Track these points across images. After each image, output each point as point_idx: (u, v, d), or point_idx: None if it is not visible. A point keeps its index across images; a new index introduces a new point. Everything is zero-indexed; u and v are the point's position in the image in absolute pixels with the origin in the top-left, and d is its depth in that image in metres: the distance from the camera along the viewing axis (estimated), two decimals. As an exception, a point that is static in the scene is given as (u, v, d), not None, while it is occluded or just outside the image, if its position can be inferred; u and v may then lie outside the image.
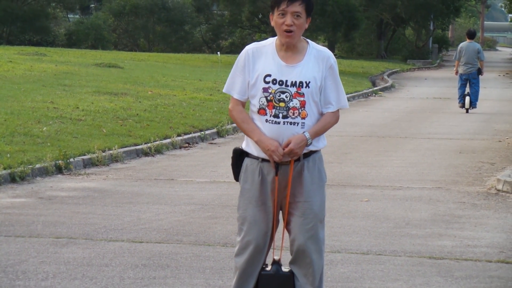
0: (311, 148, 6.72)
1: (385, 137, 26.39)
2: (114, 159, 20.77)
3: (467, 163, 21.85)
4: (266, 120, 6.63)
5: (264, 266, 6.71)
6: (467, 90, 36.87)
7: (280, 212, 6.77)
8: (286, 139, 6.54)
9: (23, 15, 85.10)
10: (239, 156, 6.81)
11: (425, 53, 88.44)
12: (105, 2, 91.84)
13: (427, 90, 47.19)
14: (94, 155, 20.34)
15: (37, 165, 18.60)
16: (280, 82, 6.70)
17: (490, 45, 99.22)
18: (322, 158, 6.93)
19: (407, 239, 13.69)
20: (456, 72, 37.59)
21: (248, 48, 6.93)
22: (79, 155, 20.04)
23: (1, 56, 48.08)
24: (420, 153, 23.49)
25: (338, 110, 6.90)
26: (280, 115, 6.60)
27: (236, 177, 6.85)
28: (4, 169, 17.72)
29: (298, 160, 6.62)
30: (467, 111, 36.32)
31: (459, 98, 37.02)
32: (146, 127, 25.10)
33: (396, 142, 25.74)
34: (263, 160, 6.62)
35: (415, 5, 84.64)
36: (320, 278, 6.68)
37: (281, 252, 6.61)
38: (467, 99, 36.60)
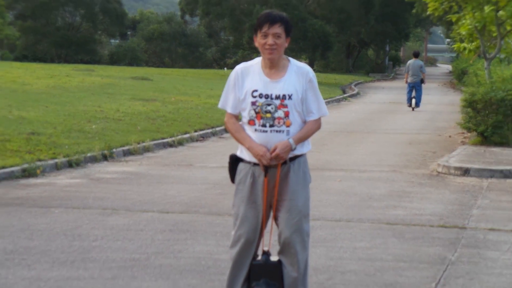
0: (296, 152, 6.41)
1: (352, 132, 26.32)
2: (146, 149, 20.81)
3: (415, 152, 21.86)
4: (255, 130, 6.34)
5: (255, 256, 6.42)
6: (413, 94, 38.53)
7: (271, 209, 6.50)
8: (273, 145, 6.26)
9: (77, 40, 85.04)
10: (234, 161, 6.57)
11: (383, 68, 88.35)
12: (139, 30, 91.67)
13: (384, 96, 47.10)
14: (131, 147, 20.39)
15: (88, 154, 18.68)
16: (266, 96, 6.38)
17: (432, 62, 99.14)
18: (306, 161, 6.60)
19: (370, 210, 13.73)
20: (406, 81, 38.97)
21: (238, 68, 6.61)
22: (120, 147, 20.09)
23: (60, 72, 48.01)
24: (379, 144, 23.46)
25: (319, 118, 6.59)
26: (267, 124, 6.30)
27: (232, 179, 6.61)
28: (64, 157, 17.88)
29: (284, 163, 6.32)
30: (413, 110, 37.82)
31: (407, 100, 38.79)
32: (170, 125, 25.09)
33: (361, 136, 25.70)
34: (255, 164, 6.35)
35: (375, 32, 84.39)
36: (305, 266, 6.41)
37: (270, 244, 6.37)
38: (413, 101, 38.43)
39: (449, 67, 77.59)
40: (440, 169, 18.58)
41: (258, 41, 6.36)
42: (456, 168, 18.39)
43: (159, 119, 26.48)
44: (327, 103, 39.01)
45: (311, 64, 74.77)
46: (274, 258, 6.42)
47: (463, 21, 29.07)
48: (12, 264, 9.72)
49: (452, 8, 29.49)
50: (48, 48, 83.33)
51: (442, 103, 39.72)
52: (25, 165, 16.52)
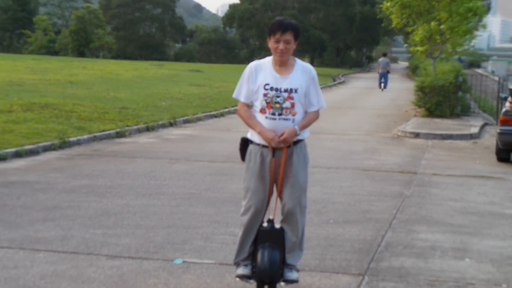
0: (299, 137, 5.70)
1: (340, 108, 26.18)
2: (199, 119, 20.74)
3: (382, 121, 21.76)
4: (266, 117, 5.62)
5: (262, 223, 5.74)
6: (382, 80, 39.57)
7: (275, 184, 5.77)
8: (280, 131, 5.54)
9: (152, 44, 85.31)
10: (245, 143, 5.83)
11: (361, 64, 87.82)
12: (194, 37, 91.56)
13: (361, 83, 46.85)
14: (188, 117, 20.32)
15: (160, 122, 18.66)
16: (276, 89, 5.64)
17: (395, 60, 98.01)
18: (306, 145, 5.87)
19: (351, 161, 13.68)
20: (378, 72, 40.58)
21: (252, 64, 5.85)
22: (181, 117, 20.05)
23: (141, 66, 48.17)
24: (358, 116, 23.35)
25: (318, 110, 5.84)
26: (276, 113, 5.59)
27: (243, 158, 5.87)
28: (143, 124, 17.87)
29: (289, 146, 5.63)
30: (382, 90, 38.35)
31: (379, 85, 39.80)
32: (215, 102, 25.01)
33: (345, 110, 25.58)
34: (263, 146, 5.64)
35: (356, 39, 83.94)
36: (302, 232, 5.78)
37: (274, 214, 5.74)
38: (382, 85, 39.47)
39: (406, 64, 76.90)
40: (399, 133, 18.54)
41: (271, 44, 5.65)
42: (410, 133, 18.36)
43: (207, 98, 26.42)
44: (323, 88, 38.96)
45: (311, 62, 74.73)
46: (277, 225, 5.74)
47: (416, 31, 28.95)
48: (110, 195, 9.79)
49: (409, 23, 29.50)
50: (134, 50, 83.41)
51: (401, 88, 39.53)
52: (118, 129, 16.59)
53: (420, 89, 23.42)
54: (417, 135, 18.16)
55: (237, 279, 5.79)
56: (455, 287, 6.38)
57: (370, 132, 18.87)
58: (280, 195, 5.69)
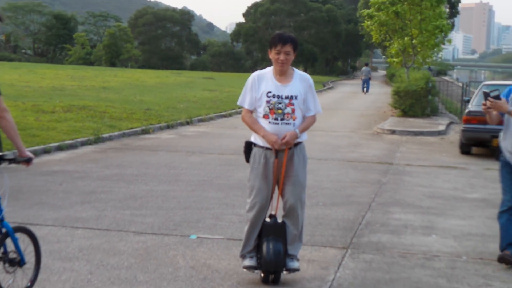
0: (299, 140, 5.37)
1: (329, 109, 26.13)
2: (211, 118, 20.75)
3: (364, 120, 21.75)
4: (269, 122, 5.27)
5: (265, 218, 5.39)
6: (365, 85, 39.86)
7: (277, 183, 5.44)
8: (282, 134, 5.20)
9: (171, 56, 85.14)
10: (249, 146, 5.48)
11: (346, 72, 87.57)
12: (207, 50, 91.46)
13: (347, 89, 46.78)
14: (202, 117, 20.33)
15: (178, 121, 18.67)
16: (278, 96, 5.28)
17: (374, 69, 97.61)
18: (304, 147, 5.56)
19: (338, 153, 13.68)
20: (361, 79, 41.45)
21: (254, 74, 5.45)
22: (196, 117, 20.06)
23: (163, 74, 48.17)
24: (344, 116, 23.32)
25: (315, 114, 5.52)
26: (279, 118, 5.25)
27: (247, 160, 5.49)
28: (164, 122, 17.86)
29: (290, 148, 5.29)
30: (364, 94, 38.61)
31: (362, 89, 40.32)
32: (224, 104, 24.96)
33: (333, 111, 25.52)
34: (267, 148, 5.29)
35: (342, 52, 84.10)
36: (302, 225, 5.45)
37: (276, 210, 5.44)
38: (365, 89, 39.74)
39: (384, 72, 76.82)
40: (378, 130, 18.53)
41: (272, 55, 5.27)
42: (388, 130, 18.36)
43: (218, 101, 26.39)
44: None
45: (304, 70, 74.19)
46: (279, 220, 5.41)
47: (392, 45, 29.00)
48: (137, 182, 9.81)
49: (386, 38, 29.54)
50: (156, 61, 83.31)
51: (380, 93, 39.45)
52: (143, 127, 16.61)
53: (396, 93, 23.47)
54: (393, 132, 18.17)
55: (244, 270, 5.47)
56: (423, 258, 6.40)
57: (354, 130, 18.87)
58: (282, 192, 5.36)
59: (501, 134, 6.14)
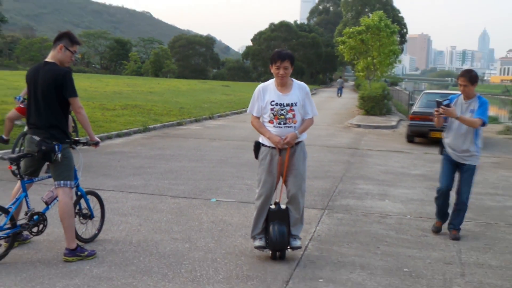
0: (299, 139, 4.82)
1: (312, 109, 26.08)
2: (227, 115, 20.59)
3: (338, 117, 21.61)
4: (274, 126, 4.72)
5: (270, 205, 4.82)
6: (339, 92, 39.92)
7: (281, 176, 4.84)
8: (285, 136, 4.67)
9: (199, 69, 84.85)
10: (257, 145, 4.91)
11: (326, 82, 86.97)
12: (225, 66, 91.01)
13: (326, 94, 46.49)
14: (221, 113, 20.19)
15: (203, 116, 18.54)
16: (280, 104, 4.71)
17: (346, 80, 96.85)
18: (304, 145, 4.94)
19: (319, 141, 13.55)
20: (337, 87, 41.49)
21: (259, 87, 4.83)
22: (216, 113, 19.94)
23: (192, 83, 47.89)
24: (323, 114, 23.07)
25: (312, 117, 4.93)
26: (282, 123, 4.69)
27: (256, 157, 4.89)
28: (193, 117, 17.72)
29: (292, 147, 4.75)
30: (339, 97, 38.51)
31: (337, 94, 40.74)
32: (237, 104, 24.78)
33: (315, 110, 25.45)
34: (272, 147, 4.76)
35: (322, 67, 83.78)
36: (302, 210, 4.82)
37: (280, 198, 4.87)
38: (339, 94, 39.85)
39: (353, 83, 76.31)
40: (348, 125, 18.39)
41: (273, 70, 4.70)
42: (355, 124, 18.24)
43: (232, 102, 26.22)
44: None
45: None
46: (283, 206, 4.83)
47: (359, 63, 28.87)
48: (173, 160, 9.77)
49: (354, 58, 29.43)
50: (188, 73, 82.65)
51: (350, 97, 39.24)
52: (178, 121, 16.51)
53: (362, 98, 23.33)
54: (359, 126, 18.06)
55: (255, 249, 4.89)
56: (379, 217, 6.37)
57: (330, 124, 18.76)
58: (285, 183, 4.79)
59: (444, 134, 5.74)
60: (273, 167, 4.77)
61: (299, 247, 4.81)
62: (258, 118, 4.85)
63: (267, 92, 4.78)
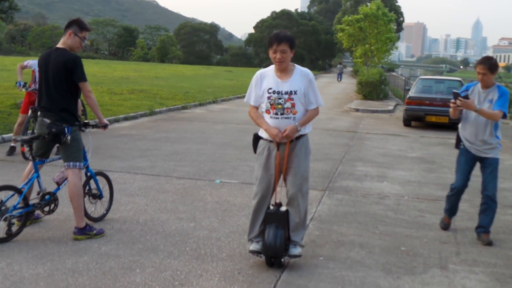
0: (301, 133, 4.04)
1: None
2: (230, 99, 20.40)
3: (337, 102, 21.44)
4: (271, 117, 3.98)
5: (269, 206, 4.08)
6: (339, 77, 40.10)
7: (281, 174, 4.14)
8: (283, 128, 3.96)
9: (203, 56, 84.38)
10: (257, 138, 4.14)
11: (325, 68, 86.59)
12: (228, 52, 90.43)
13: (325, 80, 46.15)
14: (224, 97, 20.02)
15: (207, 100, 18.40)
16: (278, 92, 3.95)
17: (344, 66, 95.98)
18: (308, 139, 4.13)
19: (319, 124, 13.40)
20: (337, 72, 41.54)
21: (258, 73, 4.12)
22: (220, 98, 19.80)
23: (196, 68, 47.63)
24: (323, 98, 22.85)
25: (318, 107, 4.09)
26: (279, 113, 3.95)
27: (255, 151, 4.12)
28: (198, 101, 17.60)
29: (292, 141, 4.02)
30: (339, 82, 38.49)
31: (337, 79, 40.81)
32: (240, 89, 24.51)
33: (315, 95, 25.29)
34: (270, 141, 4.02)
35: (322, 54, 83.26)
36: (304, 214, 4.07)
37: (276, 198, 4.11)
38: (339, 79, 40.02)
39: (351, 69, 75.94)
40: (347, 109, 18.28)
41: (271, 54, 3.95)
42: (353, 109, 18.13)
43: (235, 87, 25.97)
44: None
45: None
46: (283, 208, 4.06)
47: (357, 50, 28.67)
48: (178, 142, 9.70)
49: (353, 45, 29.24)
50: (193, 59, 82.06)
51: (349, 83, 39.04)
52: (183, 105, 16.39)
53: (360, 83, 23.19)
54: (357, 110, 17.93)
55: (250, 254, 4.18)
56: (377, 198, 6.31)
57: (330, 108, 18.61)
58: (285, 182, 4.08)
59: (460, 125, 5.09)
60: (271, 163, 4.04)
61: (298, 256, 4.06)
62: (257, 108, 4.14)
63: (265, 78, 4.06)
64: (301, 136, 4.07)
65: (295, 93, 3.97)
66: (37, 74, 7.85)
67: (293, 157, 4.04)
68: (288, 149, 4.00)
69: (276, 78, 4.01)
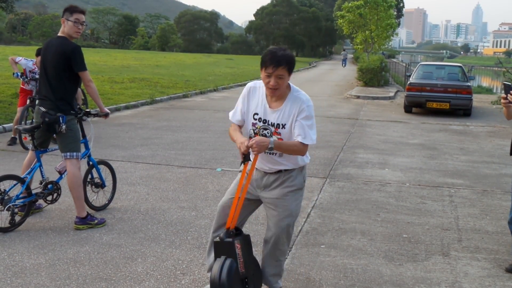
0: (286, 168, 3.03)
1: (313, 81, 25.81)
2: (231, 87, 20.28)
3: (338, 88, 21.34)
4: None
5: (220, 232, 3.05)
6: (343, 63, 40.91)
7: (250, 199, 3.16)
8: (266, 163, 3.04)
9: (203, 44, 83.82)
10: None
11: (326, 55, 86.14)
12: (229, 40, 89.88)
13: (326, 67, 45.96)
14: (225, 86, 19.91)
15: (208, 89, 18.31)
16: (264, 121, 2.98)
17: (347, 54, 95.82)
18: (300, 174, 3.07)
19: (319, 111, 13.32)
20: (341, 59, 42.06)
21: (249, 86, 3.13)
22: (221, 86, 19.68)
23: (197, 56, 47.36)
24: (324, 85, 22.90)
25: (306, 145, 2.92)
26: None
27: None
28: (199, 89, 17.50)
29: (280, 171, 3.03)
30: (343, 67, 39.13)
31: (341, 64, 41.92)
32: (240, 77, 24.49)
33: (316, 82, 25.12)
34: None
35: (322, 41, 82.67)
36: (283, 258, 3.16)
37: (228, 224, 2.92)
38: (343, 64, 40.92)
39: (352, 55, 75.53)
40: (347, 96, 18.16)
41: (263, 76, 2.90)
42: (354, 95, 18.01)
43: (236, 75, 25.85)
44: (303, 70, 38.40)
45: (296, 55, 73.38)
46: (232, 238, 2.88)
47: (357, 37, 28.46)
48: (179, 131, 9.64)
49: (353, 32, 29.02)
50: (193, 47, 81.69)
51: (349, 69, 38.82)
52: (184, 93, 16.30)
53: (360, 70, 23.00)
54: (358, 97, 17.83)
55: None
56: (379, 185, 6.26)
57: (331, 95, 18.52)
58: (257, 211, 3.13)
59: None
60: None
61: None
62: (239, 126, 3.18)
63: (254, 98, 3.11)
64: (289, 170, 3.06)
65: (283, 127, 2.98)
66: (28, 73, 7.85)
67: (280, 192, 3.04)
68: (254, 165, 2.99)
69: (265, 103, 3.03)
